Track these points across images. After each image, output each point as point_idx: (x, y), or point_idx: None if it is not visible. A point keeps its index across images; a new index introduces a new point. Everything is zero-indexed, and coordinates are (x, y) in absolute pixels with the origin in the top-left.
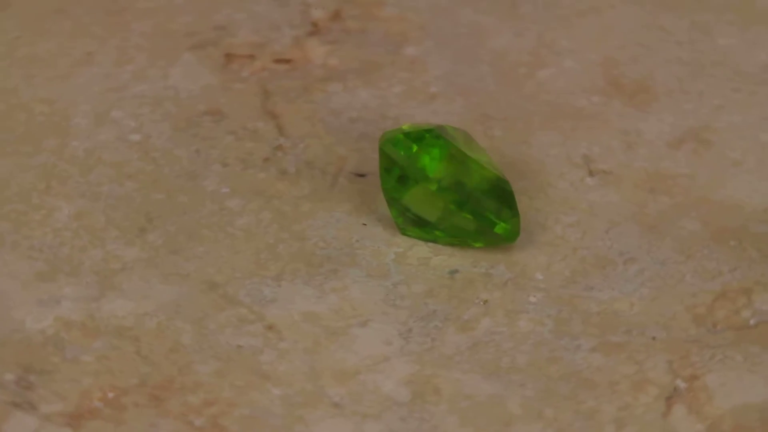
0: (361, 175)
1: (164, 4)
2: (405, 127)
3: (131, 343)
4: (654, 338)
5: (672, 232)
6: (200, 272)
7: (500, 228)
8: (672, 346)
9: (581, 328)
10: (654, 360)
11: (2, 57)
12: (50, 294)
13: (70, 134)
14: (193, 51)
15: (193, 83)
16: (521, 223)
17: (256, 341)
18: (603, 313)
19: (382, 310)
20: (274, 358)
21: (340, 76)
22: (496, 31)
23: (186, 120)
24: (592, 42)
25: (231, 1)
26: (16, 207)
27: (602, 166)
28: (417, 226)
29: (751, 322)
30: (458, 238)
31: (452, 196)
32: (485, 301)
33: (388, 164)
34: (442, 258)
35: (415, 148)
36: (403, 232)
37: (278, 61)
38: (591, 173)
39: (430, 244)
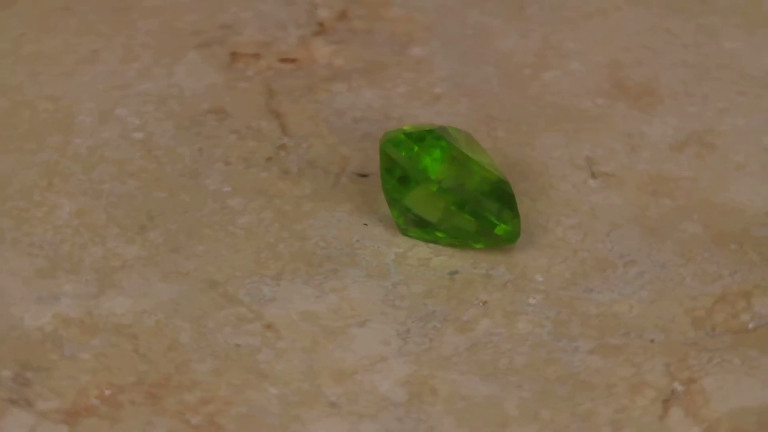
0: (364, 176)
1: (171, 3)
2: (406, 127)
3: (129, 340)
4: (652, 341)
5: (673, 234)
6: (200, 271)
7: (500, 229)
8: (670, 348)
9: (580, 330)
10: (652, 363)
11: (7, 54)
12: (49, 291)
13: (74, 131)
14: (198, 49)
15: (197, 82)
16: (522, 224)
17: (254, 340)
18: (602, 315)
19: (380, 311)
20: (272, 357)
21: (344, 76)
22: (502, 33)
23: (189, 118)
24: (598, 44)
25: (237, 0)
26: (17, 204)
27: (605, 169)
28: (418, 226)
29: (750, 325)
30: (459, 239)
31: (453, 197)
32: (484, 302)
33: (389, 165)
34: (442, 259)
35: (416, 148)
36: (404, 233)
37: (283, 60)
38: (593, 175)
39: (431, 245)
